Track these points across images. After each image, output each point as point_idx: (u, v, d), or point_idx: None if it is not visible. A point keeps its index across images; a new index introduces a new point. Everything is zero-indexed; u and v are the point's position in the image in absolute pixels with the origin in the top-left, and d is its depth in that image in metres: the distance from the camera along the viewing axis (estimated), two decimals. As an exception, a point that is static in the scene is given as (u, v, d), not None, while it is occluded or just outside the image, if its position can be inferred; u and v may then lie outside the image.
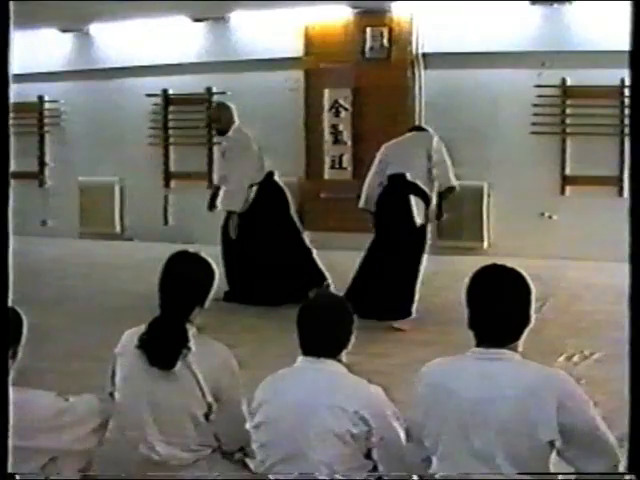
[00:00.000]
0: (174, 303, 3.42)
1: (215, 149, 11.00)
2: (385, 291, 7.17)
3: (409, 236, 7.31)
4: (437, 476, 2.86)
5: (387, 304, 7.13)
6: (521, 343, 2.85)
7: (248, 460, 3.45)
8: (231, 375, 3.46)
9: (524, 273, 2.92)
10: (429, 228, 7.60)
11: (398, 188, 7.36)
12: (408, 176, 7.35)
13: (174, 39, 11.56)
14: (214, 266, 3.54)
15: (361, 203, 7.71)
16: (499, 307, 2.82)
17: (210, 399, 3.39)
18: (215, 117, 8.55)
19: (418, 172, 7.36)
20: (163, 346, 3.35)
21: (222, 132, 8.36)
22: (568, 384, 2.78)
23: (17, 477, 2.29)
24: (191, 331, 3.41)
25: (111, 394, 3.57)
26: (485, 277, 2.93)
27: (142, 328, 3.45)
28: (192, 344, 3.36)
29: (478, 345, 2.84)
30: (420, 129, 8.18)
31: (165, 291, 3.47)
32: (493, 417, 2.71)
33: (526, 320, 2.85)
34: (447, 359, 2.97)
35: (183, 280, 3.46)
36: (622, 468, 2.67)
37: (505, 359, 2.79)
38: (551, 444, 2.72)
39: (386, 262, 7.29)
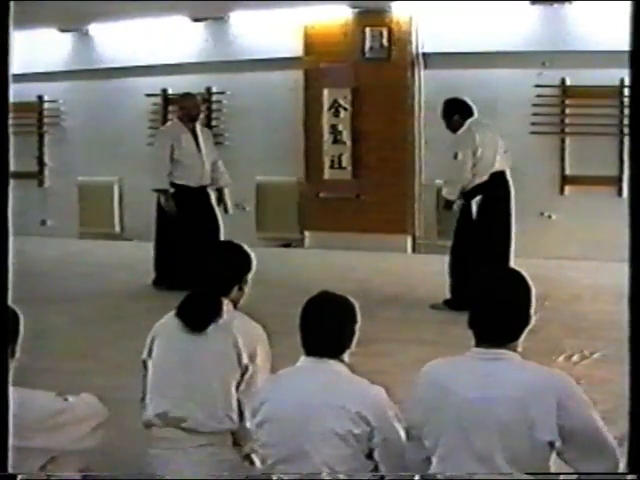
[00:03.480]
0: (214, 281, 3.65)
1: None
2: None
3: None
4: (437, 476, 2.85)
5: None
6: (520, 343, 2.85)
7: (254, 456, 3.46)
8: (265, 345, 3.63)
9: (523, 272, 2.92)
10: None
11: None
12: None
13: (174, 39, 11.55)
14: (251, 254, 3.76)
15: None
16: (499, 307, 2.82)
17: (246, 361, 3.52)
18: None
19: None
20: (198, 309, 3.57)
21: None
22: (568, 384, 2.78)
23: (18, 477, 2.29)
24: (229, 306, 3.62)
25: (144, 362, 3.68)
26: (485, 277, 2.93)
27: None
28: (232, 314, 3.59)
29: (478, 345, 2.84)
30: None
31: (206, 272, 3.72)
32: (493, 417, 2.71)
33: (526, 320, 2.85)
34: (447, 359, 2.97)
35: (225, 264, 3.74)
36: (622, 468, 2.68)
37: (505, 359, 2.79)
38: (551, 445, 2.72)
39: None
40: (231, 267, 3.73)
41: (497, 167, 7.74)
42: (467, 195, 7.74)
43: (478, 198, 7.67)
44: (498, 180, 7.74)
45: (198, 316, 3.56)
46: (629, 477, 2.41)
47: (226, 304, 3.60)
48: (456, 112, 7.83)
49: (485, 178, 7.67)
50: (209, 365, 3.51)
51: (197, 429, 3.50)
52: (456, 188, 7.78)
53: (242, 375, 3.52)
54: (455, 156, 7.70)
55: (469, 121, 7.74)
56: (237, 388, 3.53)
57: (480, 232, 7.62)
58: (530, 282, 2.88)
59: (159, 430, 3.55)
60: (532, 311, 2.86)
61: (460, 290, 7.43)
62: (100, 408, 3.42)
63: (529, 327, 2.86)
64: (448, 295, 7.66)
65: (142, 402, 3.64)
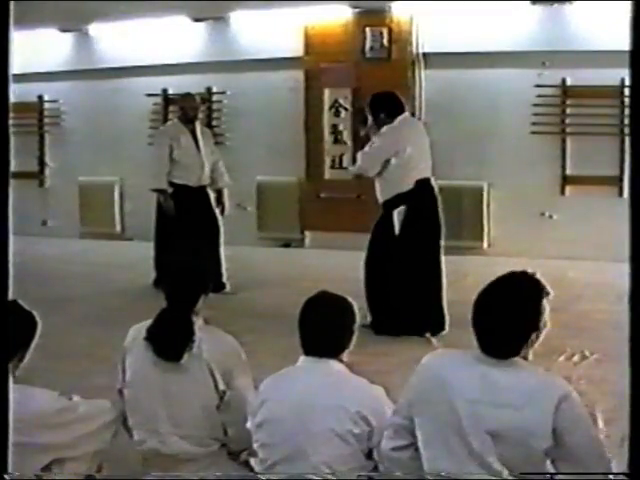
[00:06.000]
0: (180, 294, 3.50)
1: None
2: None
3: None
4: (433, 476, 2.84)
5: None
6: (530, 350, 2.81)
7: (253, 462, 3.46)
8: (240, 361, 3.55)
9: (537, 276, 2.86)
10: None
11: None
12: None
13: (174, 39, 11.55)
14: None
15: None
16: (507, 322, 2.73)
17: (223, 387, 3.46)
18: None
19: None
20: (170, 338, 3.43)
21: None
22: (569, 395, 2.72)
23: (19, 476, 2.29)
24: (198, 322, 3.49)
25: (120, 391, 3.59)
26: (491, 287, 2.83)
27: (148, 322, 3.51)
28: (200, 335, 3.43)
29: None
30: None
31: (170, 282, 3.58)
32: (490, 421, 2.68)
33: (536, 331, 2.76)
34: (450, 354, 2.94)
35: (186, 271, 3.56)
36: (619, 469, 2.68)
37: (508, 363, 2.74)
38: (546, 453, 2.70)
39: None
40: (193, 276, 3.56)
41: (424, 174, 6.98)
42: (387, 204, 6.93)
43: (401, 209, 6.85)
44: (425, 188, 6.95)
45: (171, 346, 3.42)
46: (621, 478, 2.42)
47: (195, 322, 3.48)
48: (382, 110, 6.94)
49: (411, 186, 6.85)
50: (190, 398, 3.46)
51: (188, 459, 3.49)
52: (357, 166, 7.09)
53: (221, 398, 3.49)
54: (373, 142, 6.95)
55: (399, 118, 6.93)
56: (218, 407, 3.50)
57: (404, 250, 6.83)
58: (543, 287, 2.82)
59: (152, 458, 3.54)
60: (544, 321, 2.77)
61: (380, 311, 6.86)
62: (107, 409, 3.43)
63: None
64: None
65: (125, 427, 3.59)
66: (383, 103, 7.02)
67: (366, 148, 7.05)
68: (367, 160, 6.98)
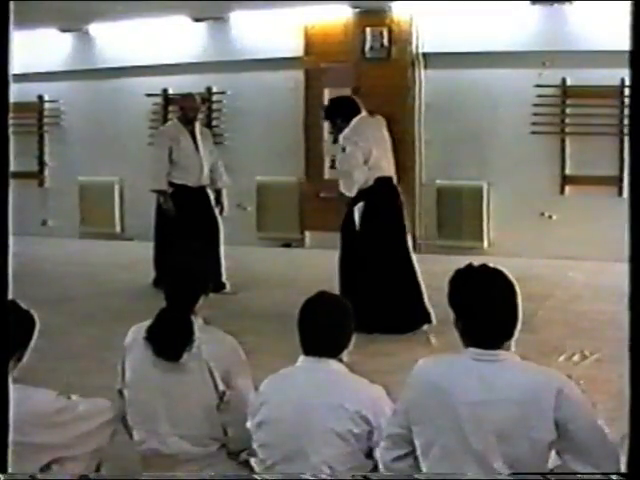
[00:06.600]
0: (179, 294, 3.50)
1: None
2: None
3: None
4: (433, 477, 2.83)
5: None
6: (514, 341, 2.81)
7: (253, 462, 3.45)
8: (240, 361, 3.55)
9: (500, 267, 2.86)
10: None
11: None
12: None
13: (174, 39, 11.56)
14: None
15: None
16: (490, 311, 2.75)
17: (222, 387, 3.46)
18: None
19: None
20: (170, 338, 3.43)
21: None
22: (566, 382, 2.74)
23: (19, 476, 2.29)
24: (198, 322, 3.49)
25: (120, 391, 3.59)
26: (469, 281, 2.85)
27: (148, 322, 3.52)
28: (200, 335, 3.43)
29: (470, 347, 2.79)
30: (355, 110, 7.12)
31: (170, 282, 3.58)
32: (492, 420, 2.68)
33: (516, 318, 2.77)
34: (442, 358, 2.94)
35: (186, 271, 3.55)
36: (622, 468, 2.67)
37: (502, 360, 2.74)
38: (550, 446, 2.71)
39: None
40: (193, 276, 3.56)
41: (385, 172, 6.98)
42: (351, 202, 6.94)
43: (360, 205, 6.87)
44: (385, 186, 6.97)
45: (171, 346, 3.43)
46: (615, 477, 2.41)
47: (195, 322, 3.48)
48: (338, 115, 7.03)
49: (370, 183, 6.87)
50: (189, 398, 3.46)
51: (188, 459, 3.49)
52: (351, 180, 6.89)
53: (220, 398, 3.49)
54: (343, 149, 6.95)
55: (353, 121, 6.94)
56: (218, 407, 3.50)
57: (365, 245, 6.88)
58: (510, 277, 2.82)
59: (151, 458, 3.55)
60: (520, 307, 2.79)
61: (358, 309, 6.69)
62: (106, 408, 3.43)
63: (520, 325, 2.81)
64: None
65: (124, 427, 3.59)
66: (338, 109, 7.11)
67: (342, 166, 7.06)
68: (350, 178, 6.93)
